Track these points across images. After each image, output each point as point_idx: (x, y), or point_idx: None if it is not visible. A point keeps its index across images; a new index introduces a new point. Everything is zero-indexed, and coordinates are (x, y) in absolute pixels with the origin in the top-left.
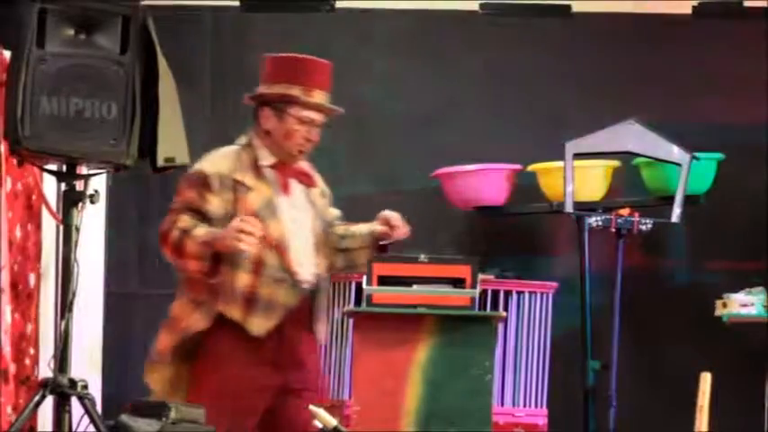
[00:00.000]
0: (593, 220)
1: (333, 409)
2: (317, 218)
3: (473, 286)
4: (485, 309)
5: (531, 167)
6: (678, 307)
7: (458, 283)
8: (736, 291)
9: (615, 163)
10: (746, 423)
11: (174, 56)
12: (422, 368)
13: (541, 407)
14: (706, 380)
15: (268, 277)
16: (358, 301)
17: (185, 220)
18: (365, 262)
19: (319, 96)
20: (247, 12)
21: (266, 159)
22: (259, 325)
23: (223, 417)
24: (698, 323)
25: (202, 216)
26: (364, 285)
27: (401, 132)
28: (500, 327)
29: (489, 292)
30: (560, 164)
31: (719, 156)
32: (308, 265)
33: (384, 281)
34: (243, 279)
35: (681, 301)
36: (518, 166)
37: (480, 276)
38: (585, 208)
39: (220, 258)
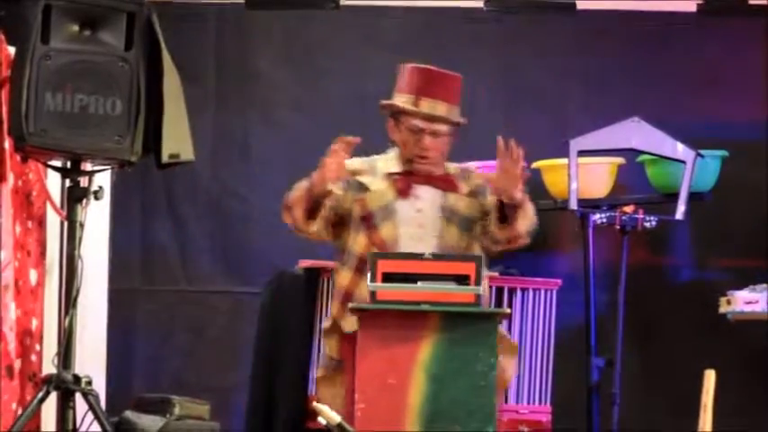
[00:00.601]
0: (598, 218)
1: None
2: (454, 221)
3: (477, 283)
4: (489, 306)
5: (535, 164)
6: (682, 304)
7: (462, 280)
8: (740, 288)
9: (620, 160)
10: (750, 420)
11: (179, 52)
12: (426, 365)
13: (545, 404)
14: (710, 377)
15: (364, 274)
16: None
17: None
18: (496, 230)
19: (428, 106)
20: (251, 8)
21: (395, 167)
22: (351, 324)
23: None
24: (702, 320)
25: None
26: (368, 282)
27: None
28: (504, 324)
29: (494, 290)
30: (565, 161)
31: (724, 153)
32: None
33: (388, 278)
34: (344, 277)
35: (685, 299)
36: (524, 164)
37: (485, 273)
38: (590, 205)
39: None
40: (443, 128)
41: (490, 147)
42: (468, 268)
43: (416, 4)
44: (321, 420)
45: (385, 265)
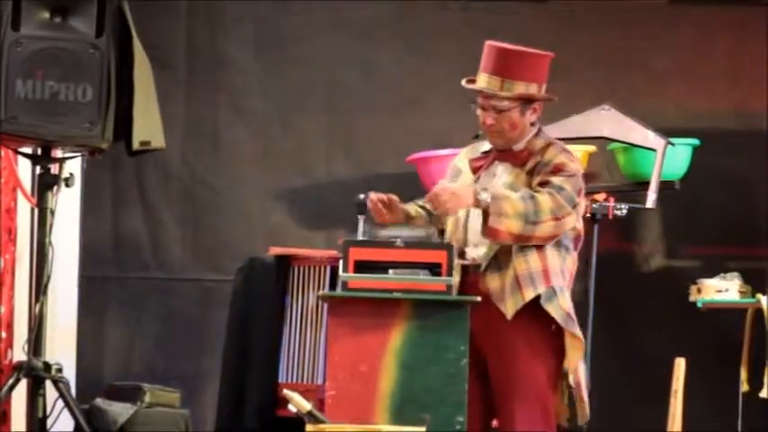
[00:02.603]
0: None
1: (307, 393)
2: None
3: (449, 271)
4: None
5: None
6: (653, 292)
7: (434, 268)
8: (710, 276)
9: (591, 148)
10: (720, 408)
11: (150, 39)
12: (397, 353)
13: None
14: (680, 365)
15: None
16: (333, 285)
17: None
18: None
19: (482, 80)
20: None
21: (484, 147)
22: None
23: None
24: (673, 309)
25: None
26: (340, 271)
27: (377, 118)
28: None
29: None
30: None
31: (695, 141)
32: (482, 245)
33: (360, 265)
34: None
35: (655, 287)
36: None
37: (456, 261)
38: None
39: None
40: (501, 103)
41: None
42: (439, 256)
43: None
44: (291, 408)
45: (356, 253)
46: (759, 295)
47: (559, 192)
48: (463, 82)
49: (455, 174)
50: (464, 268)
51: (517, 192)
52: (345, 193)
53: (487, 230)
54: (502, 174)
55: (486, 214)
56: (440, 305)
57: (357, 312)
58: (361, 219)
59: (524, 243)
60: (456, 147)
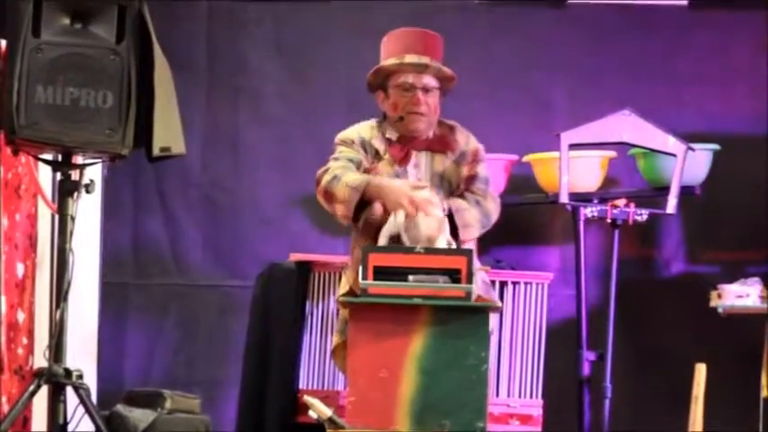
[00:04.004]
0: (589, 211)
1: (328, 399)
2: (443, 187)
3: (468, 277)
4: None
5: (526, 158)
6: (673, 298)
7: (453, 273)
8: (731, 281)
9: (611, 153)
10: (741, 414)
11: (170, 45)
12: (417, 358)
13: (536, 398)
14: (701, 371)
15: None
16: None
17: (338, 167)
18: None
19: (414, 59)
20: (242, 0)
21: (391, 134)
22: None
23: None
24: (693, 314)
25: (355, 165)
26: (359, 278)
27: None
28: (496, 318)
29: None
30: (556, 154)
31: (715, 146)
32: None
33: (380, 271)
34: (359, 250)
35: (676, 292)
36: (514, 157)
37: (476, 267)
38: (581, 198)
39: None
40: (433, 82)
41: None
42: (459, 262)
43: None
44: (312, 414)
45: (376, 259)
46: None
47: (486, 184)
48: (392, 61)
49: (367, 152)
50: None
51: (450, 182)
52: None
53: (458, 240)
54: (426, 164)
55: (452, 224)
56: (459, 311)
57: (377, 318)
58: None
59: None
60: None
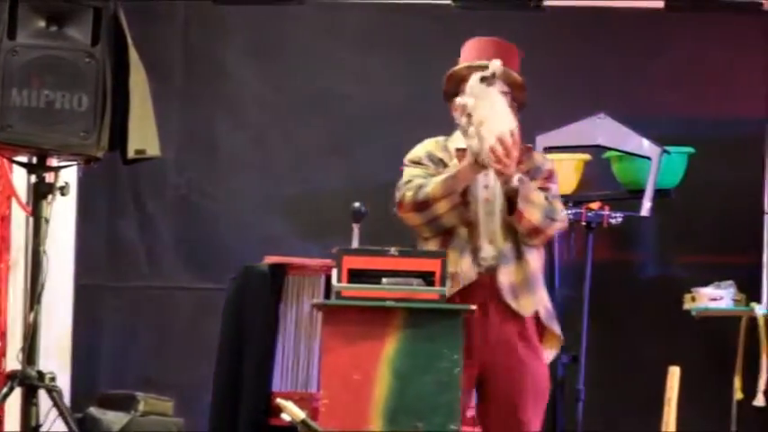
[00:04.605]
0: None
1: (301, 401)
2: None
3: (443, 280)
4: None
5: None
6: (647, 300)
7: (428, 276)
8: (705, 284)
9: (586, 156)
10: (714, 417)
11: (146, 47)
12: (390, 361)
13: None
14: (674, 373)
15: (455, 248)
16: (328, 294)
17: (416, 179)
18: (509, 217)
19: (480, 63)
20: (218, 3)
21: (460, 143)
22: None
23: None
24: (667, 317)
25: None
26: (334, 280)
27: (374, 127)
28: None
29: None
30: None
31: (691, 149)
32: (494, 242)
33: (354, 274)
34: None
35: (650, 295)
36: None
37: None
38: None
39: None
40: (501, 87)
41: None
42: (433, 265)
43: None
44: (285, 416)
45: (350, 262)
46: (753, 304)
47: (558, 198)
48: (459, 67)
49: (435, 163)
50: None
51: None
52: (341, 202)
53: (516, 213)
54: (492, 172)
55: (513, 196)
56: (433, 314)
57: (351, 321)
58: (355, 227)
59: (534, 237)
60: None
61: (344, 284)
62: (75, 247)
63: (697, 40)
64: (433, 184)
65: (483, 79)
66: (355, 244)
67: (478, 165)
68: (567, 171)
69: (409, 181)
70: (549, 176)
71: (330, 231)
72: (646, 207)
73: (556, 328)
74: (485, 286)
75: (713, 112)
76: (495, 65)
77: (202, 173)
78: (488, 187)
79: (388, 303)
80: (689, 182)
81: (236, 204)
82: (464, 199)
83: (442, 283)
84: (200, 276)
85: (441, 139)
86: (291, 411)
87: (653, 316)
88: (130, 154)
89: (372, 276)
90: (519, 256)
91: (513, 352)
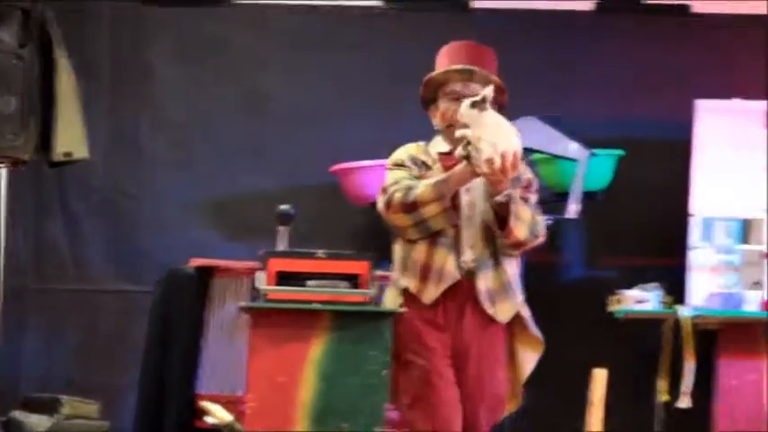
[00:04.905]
0: None
1: (228, 404)
2: (489, 199)
3: (370, 282)
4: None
5: None
6: (573, 303)
7: (355, 278)
8: (630, 287)
9: None
10: (639, 419)
11: (74, 50)
12: (317, 364)
13: None
14: (600, 376)
15: (443, 248)
16: (254, 297)
17: (403, 181)
18: (495, 229)
19: (457, 67)
20: (146, 4)
21: (441, 147)
22: (430, 292)
23: (414, 371)
24: (593, 319)
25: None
26: (257, 283)
27: (300, 128)
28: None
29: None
30: None
31: (619, 152)
32: (475, 246)
33: (281, 276)
34: (420, 251)
35: (576, 297)
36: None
37: (377, 272)
38: None
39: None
40: (477, 90)
41: (384, 145)
42: (360, 267)
43: (310, 1)
44: (210, 419)
45: (277, 264)
46: (678, 306)
47: (538, 210)
48: (438, 71)
49: (418, 166)
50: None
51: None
52: (267, 203)
53: (506, 229)
54: (478, 180)
55: (504, 211)
56: (360, 316)
57: (277, 324)
58: (282, 229)
59: (516, 250)
60: (380, 158)
61: (271, 287)
62: (1, 248)
63: (626, 43)
64: (423, 187)
65: (474, 105)
66: (282, 246)
67: (472, 170)
68: None
69: (397, 182)
70: (529, 186)
71: (257, 233)
72: (571, 209)
73: (537, 332)
74: (464, 289)
75: (641, 115)
76: (488, 91)
77: (129, 174)
78: (469, 190)
79: (315, 306)
80: (617, 184)
81: (162, 206)
82: (453, 203)
83: (369, 285)
84: (126, 279)
85: (422, 143)
86: (217, 414)
87: (578, 318)
88: (58, 157)
89: (299, 279)
90: (497, 262)
91: (483, 357)
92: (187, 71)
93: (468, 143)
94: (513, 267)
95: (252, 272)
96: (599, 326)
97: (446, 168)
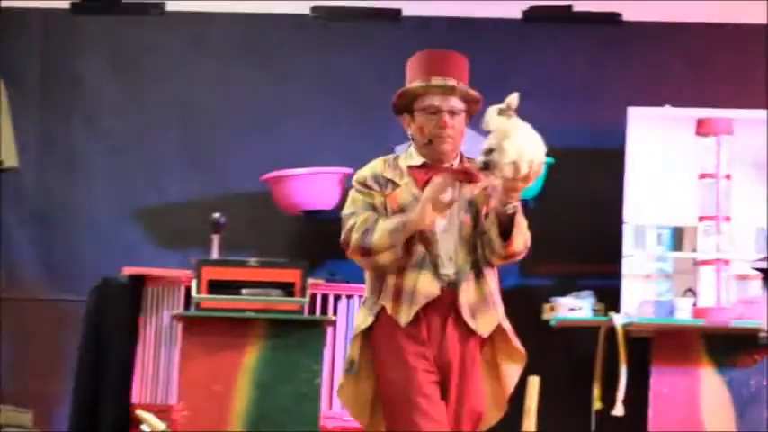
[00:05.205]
0: None
1: (162, 413)
2: (470, 213)
3: (303, 290)
4: (314, 313)
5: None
6: (506, 310)
7: (287, 287)
8: (564, 295)
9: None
10: (573, 426)
11: (3, 58)
12: (251, 372)
13: None
14: (533, 383)
15: (413, 267)
16: (188, 305)
17: (362, 222)
18: (495, 240)
19: (440, 81)
20: (77, 14)
21: (414, 161)
22: (405, 314)
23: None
24: (526, 327)
25: (374, 210)
26: (193, 292)
27: (232, 136)
28: (329, 331)
29: (319, 296)
30: None
31: (549, 160)
32: (454, 258)
33: (215, 285)
34: (392, 273)
35: (509, 305)
36: (348, 170)
37: (310, 280)
38: None
39: (410, 243)
40: (460, 104)
41: (316, 153)
42: (293, 275)
43: (243, 10)
44: (144, 428)
45: (210, 273)
46: (612, 313)
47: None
48: (417, 83)
49: (381, 186)
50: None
51: (476, 206)
52: (200, 212)
53: (508, 241)
54: (454, 190)
55: (510, 224)
56: (293, 325)
57: (211, 332)
58: (215, 238)
59: (506, 261)
60: (311, 165)
61: (204, 295)
62: None
63: (556, 50)
64: (379, 232)
65: (501, 112)
66: (215, 255)
67: (433, 212)
68: None
69: (353, 214)
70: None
71: (190, 242)
72: None
73: (519, 345)
74: (445, 302)
75: (572, 123)
76: (514, 98)
77: (61, 184)
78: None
79: (248, 314)
80: (549, 192)
81: (94, 215)
82: (409, 248)
83: (302, 294)
84: (59, 288)
85: (390, 157)
86: (151, 423)
87: (513, 326)
88: None
89: (232, 287)
90: (479, 274)
91: (465, 371)
92: (119, 80)
93: (491, 151)
94: (493, 279)
95: (185, 280)
96: (533, 334)
97: (418, 182)
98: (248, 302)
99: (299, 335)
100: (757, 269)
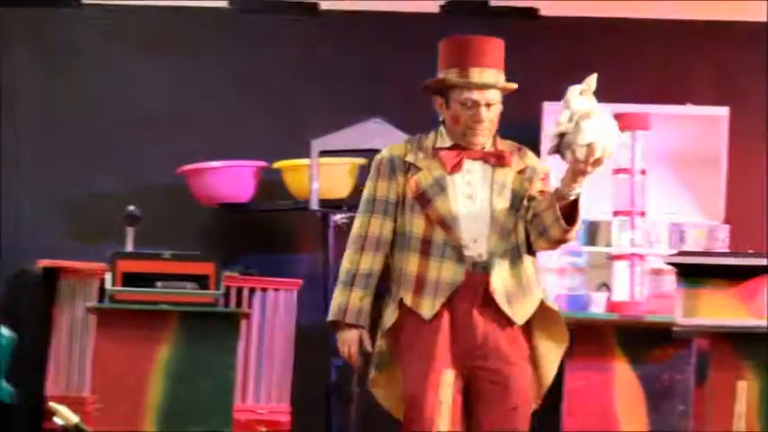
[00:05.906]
0: (338, 218)
1: (75, 405)
2: (505, 196)
3: (217, 283)
4: (228, 306)
5: (276, 165)
6: None
7: (202, 279)
8: None
9: (361, 160)
10: None
11: None
12: (165, 365)
13: (284, 403)
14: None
15: (435, 256)
16: (102, 298)
17: (352, 259)
18: (552, 224)
19: (476, 75)
20: None
21: (443, 142)
22: (428, 306)
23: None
24: None
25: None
26: (107, 284)
27: (147, 129)
28: (244, 324)
29: (234, 290)
30: (306, 161)
31: None
32: (481, 241)
33: (130, 277)
34: (412, 262)
35: None
36: (263, 163)
37: (224, 273)
38: (331, 205)
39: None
40: (496, 96)
41: (232, 146)
42: (207, 268)
43: (159, 3)
44: (57, 420)
45: (124, 265)
46: None
47: None
48: (454, 76)
49: (397, 170)
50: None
51: (510, 189)
52: (116, 204)
53: (569, 228)
54: (483, 172)
55: (573, 210)
56: (208, 318)
57: (125, 325)
58: (130, 231)
59: (553, 247)
60: (227, 158)
61: (118, 288)
62: None
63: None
64: (339, 290)
65: (582, 93)
66: (130, 247)
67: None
68: (342, 175)
69: (359, 236)
70: (546, 178)
71: (106, 235)
72: None
73: (564, 327)
74: (473, 287)
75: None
76: (593, 78)
77: None
78: (470, 183)
79: (162, 307)
80: None
81: (10, 206)
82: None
83: (217, 287)
84: None
85: (414, 138)
86: (64, 415)
87: None
88: None
89: (147, 280)
90: (514, 259)
91: (504, 360)
92: (38, 72)
93: (563, 135)
94: (532, 265)
95: (100, 273)
96: None
97: (445, 164)
98: (163, 295)
99: (214, 328)
100: (671, 264)
